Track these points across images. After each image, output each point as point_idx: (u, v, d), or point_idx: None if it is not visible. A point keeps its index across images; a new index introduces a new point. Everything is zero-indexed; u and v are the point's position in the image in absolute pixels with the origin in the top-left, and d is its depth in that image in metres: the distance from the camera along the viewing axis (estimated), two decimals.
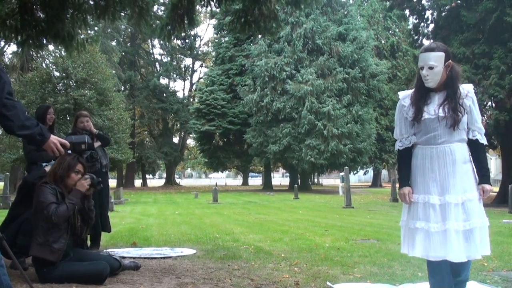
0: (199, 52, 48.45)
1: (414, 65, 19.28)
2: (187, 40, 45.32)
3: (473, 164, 3.06)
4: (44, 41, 7.09)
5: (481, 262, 4.85)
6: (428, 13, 19.38)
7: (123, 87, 41.55)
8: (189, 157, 61.19)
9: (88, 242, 5.54)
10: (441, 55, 2.99)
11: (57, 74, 26.96)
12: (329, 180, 60.87)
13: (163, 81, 46.28)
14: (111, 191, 14.16)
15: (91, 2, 6.72)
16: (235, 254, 5.66)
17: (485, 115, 17.40)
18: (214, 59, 39.60)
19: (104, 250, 5.63)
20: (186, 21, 6.64)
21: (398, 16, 23.86)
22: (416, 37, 20.09)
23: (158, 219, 11.65)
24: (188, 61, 49.71)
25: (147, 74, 46.51)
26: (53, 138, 2.93)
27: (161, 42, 43.20)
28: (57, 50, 27.10)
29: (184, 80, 50.38)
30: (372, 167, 43.13)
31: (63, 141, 3.01)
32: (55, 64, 27.30)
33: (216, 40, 39.52)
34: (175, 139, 50.22)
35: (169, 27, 6.64)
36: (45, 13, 6.55)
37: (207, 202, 20.53)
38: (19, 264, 3.55)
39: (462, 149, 3.03)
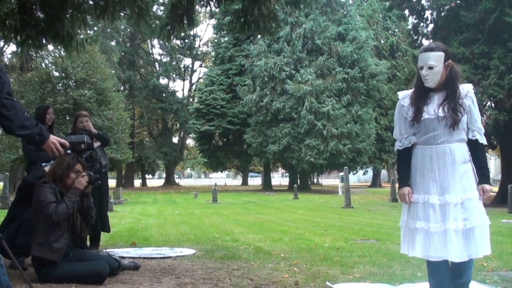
0: (199, 52, 48.46)
1: (414, 65, 19.28)
2: (186, 40, 45.33)
3: (472, 164, 3.06)
4: (44, 41, 7.09)
5: (480, 262, 4.85)
6: (427, 13, 19.40)
7: (122, 87, 41.55)
8: (189, 157, 61.17)
9: (88, 242, 5.54)
10: (440, 55, 2.99)
11: (56, 74, 26.96)
12: (329, 180, 60.89)
13: (163, 81, 46.35)
14: (110, 191, 14.16)
15: (91, 2, 6.72)
16: (235, 254, 5.66)
17: (484, 115, 17.41)
18: (213, 59, 39.61)
19: (104, 250, 5.63)
20: (185, 21, 6.64)
21: (397, 16, 23.85)
22: (416, 37, 20.09)
23: (158, 219, 11.64)
24: (187, 61, 49.83)
25: (146, 74, 46.50)
26: (53, 138, 2.92)
27: (161, 42, 43.24)
28: (56, 50, 27.10)
29: (184, 80, 50.45)
30: (371, 167, 43.15)
31: (63, 141, 3.00)
32: (55, 64, 27.29)
33: (216, 40, 39.52)
34: (175, 139, 50.23)
35: (169, 27, 6.64)
36: (44, 13, 6.55)
37: (206, 202, 20.53)
38: (18, 264, 3.55)
39: (462, 149, 3.03)
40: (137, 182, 50.03)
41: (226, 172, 66.97)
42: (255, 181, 63.75)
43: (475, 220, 2.91)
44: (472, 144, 3.07)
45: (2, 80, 2.65)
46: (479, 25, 16.57)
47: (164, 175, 55.69)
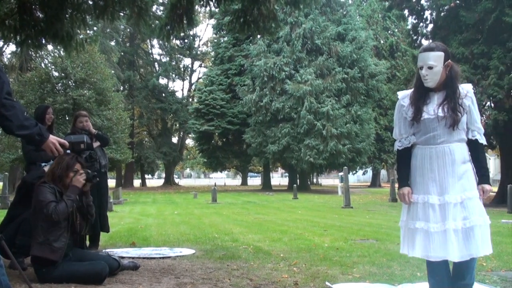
0: (198, 52, 48.46)
1: (413, 65, 19.29)
2: (186, 40, 45.33)
3: (472, 164, 3.05)
4: (43, 41, 7.09)
5: (480, 262, 4.85)
6: (427, 13, 19.40)
7: (122, 87, 41.55)
8: (188, 157, 61.15)
9: (87, 242, 5.54)
10: (440, 54, 2.99)
11: (56, 74, 26.94)
12: (328, 180, 60.81)
13: (162, 81, 46.35)
14: (110, 191, 14.16)
15: (90, 2, 6.72)
16: (234, 254, 5.66)
17: (484, 115, 17.41)
18: (213, 59, 39.61)
19: (103, 250, 5.63)
20: (185, 21, 6.64)
21: (397, 16, 23.89)
22: (415, 37, 20.10)
23: (157, 219, 11.64)
24: (187, 61, 49.84)
25: (146, 74, 46.50)
26: (52, 138, 2.92)
27: (160, 42, 43.24)
28: (56, 50, 27.07)
29: (183, 80, 50.45)
30: (371, 167, 43.15)
31: (62, 141, 3.00)
32: (54, 64, 27.28)
33: (215, 40, 39.51)
34: (174, 139, 50.23)
35: (168, 27, 6.64)
36: (44, 13, 6.55)
37: (206, 202, 20.53)
38: (18, 264, 3.54)
39: (462, 149, 3.02)
40: (137, 182, 50.02)
41: (226, 172, 66.96)
42: (255, 181, 63.74)
43: (475, 219, 2.90)
44: (472, 144, 3.06)
45: (1, 80, 2.65)
46: (479, 25, 16.58)
47: (163, 175, 55.69)
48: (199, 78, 48.69)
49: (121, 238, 7.39)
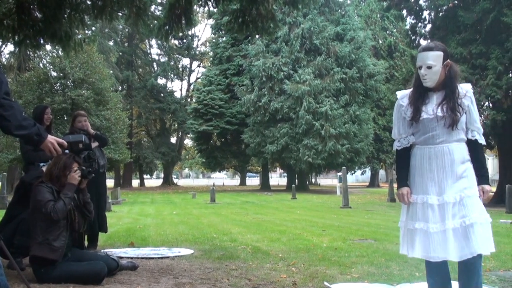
0: (197, 52, 48.45)
1: (412, 65, 19.33)
2: (184, 40, 45.32)
3: (472, 163, 3.03)
4: (41, 41, 7.08)
5: None
6: (425, 13, 19.44)
7: (120, 87, 41.53)
8: (187, 157, 61.13)
9: (86, 242, 5.54)
10: (439, 54, 2.97)
11: (54, 74, 26.94)
12: (327, 180, 60.84)
13: (161, 81, 46.31)
14: (108, 191, 14.16)
15: (89, 2, 6.71)
16: (233, 254, 5.66)
17: (482, 115, 17.44)
18: (211, 59, 39.60)
19: (102, 250, 5.63)
20: (183, 21, 6.63)
21: (395, 16, 23.90)
22: (414, 37, 20.14)
23: (156, 219, 11.64)
24: (185, 61, 49.82)
25: (144, 74, 46.48)
26: (51, 138, 2.92)
27: (159, 42, 43.17)
28: (54, 50, 27.08)
29: (182, 80, 50.39)
30: (369, 167, 43.18)
31: (61, 140, 3.00)
32: (53, 64, 27.28)
33: (214, 40, 39.50)
34: (173, 139, 50.23)
35: (167, 27, 6.64)
36: (42, 13, 6.54)
37: (204, 202, 20.52)
38: (16, 265, 3.54)
39: (461, 149, 3.01)
40: (135, 182, 50.00)
41: (225, 172, 66.95)
42: (253, 181, 63.74)
43: (475, 216, 2.86)
44: (471, 144, 3.05)
45: (0, 80, 2.65)
46: (477, 25, 16.60)
47: (162, 175, 55.66)
48: (197, 78, 48.69)
49: (119, 238, 7.39)
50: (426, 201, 2.98)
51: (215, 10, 25.29)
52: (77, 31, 7.29)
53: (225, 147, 37.75)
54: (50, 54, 28.73)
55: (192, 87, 48.51)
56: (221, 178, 73.59)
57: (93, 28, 26.28)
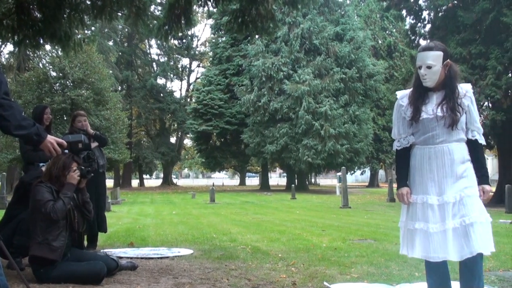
0: (196, 52, 48.44)
1: (411, 65, 19.34)
2: (184, 40, 45.32)
3: (472, 163, 3.02)
4: (41, 41, 7.07)
5: None
6: (425, 14, 19.43)
7: (120, 87, 41.50)
8: (186, 157, 61.10)
9: (85, 243, 5.54)
10: (439, 54, 2.97)
11: (54, 74, 26.93)
12: (326, 180, 60.87)
13: (160, 81, 46.30)
14: (108, 191, 14.14)
15: (88, 2, 6.71)
16: (232, 254, 5.66)
17: (481, 115, 17.44)
18: (211, 59, 39.60)
19: (102, 250, 5.63)
20: (183, 21, 6.63)
21: (395, 16, 23.92)
22: (413, 37, 20.14)
23: (155, 219, 11.64)
24: (185, 61, 49.80)
25: (144, 74, 46.46)
26: (50, 138, 2.91)
27: (158, 42, 43.13)
28: (54, 50, 27.10)
29: (181, 80, 50.38)
30: (369, 167, 43.18)
31: (60, 140, 2.99)
32: (52, 64, 27.26)
33: (213, 40, 39.49)
34: (172, 139, 50.22)
35: (166, 27, 6.63)
36: (41, 13, 6.54)
37: (204, 202, 20.51)
38: (15, 265, 3.54)
39: (461, 148, 3.00)
40: (135, 182, 50.00)
41: (224, 172, 66.94)
42: (253, 181, 63.73)
43: (475, 216, 2.85)
44: (471, 144, 3.04)
45: None
46: (476, 25, 16.60)
47: (161, 175, 55.65)
48: (197, 78, 48.68)
49: (119, 238, 7.39)
50: (426, 201, 2.97)
51: (215, 10, 25.27)
52: (76, 31, 7.29)
53: (225, 147, 37.74)
54: (50, 54, 28.74)
55: (191, 87, 48.50)
56: (221, 178, 73.55)
57: (93, 28, 26.26)
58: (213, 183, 40.99)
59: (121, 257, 5.11)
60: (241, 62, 34.11)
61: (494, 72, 15.74)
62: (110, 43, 40.09)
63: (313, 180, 52.87)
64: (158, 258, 5.42)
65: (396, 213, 12.06)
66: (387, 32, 41.40)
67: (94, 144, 5.84)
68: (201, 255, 5.60)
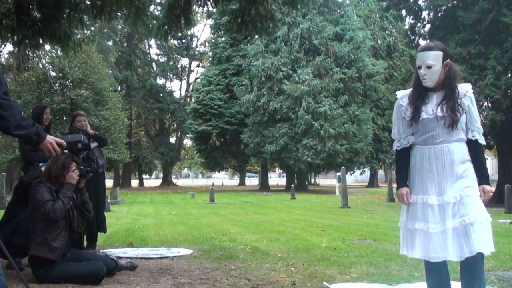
0: (196, 52, 48.45)
1: (411, 65, 19.34)
2: (183, 40, 45.32)
3: (472, 163, 3.02)
4: (41, 41, 7.07)
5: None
6: (424, 14, 19.42)
7: (119, 87, 41.51)
8: (186, 157, 61.09)
9: (85, 243, 5.54)
10: (439, 54, 2.96)
11: (53, 74, 26.92)
12: (326, 180, 60.87)
13: (160, 81, 46.31)
14: (107, 191, 14.14)
15: (88, 2, 6.71)
16: (232, 254, 5.65)
17: (481, 115, 17.44)
18: (211, 59, 39.60)
19: (101, 250, 5.63)
20: (182, 21, 6.63)
21: (394, 17, 23.91)
22: (413, 37, 20.13)
23: (155, 219, 11.63)
24: (184, 61, 49.83)
25: (143, 74, 46.46)
26: (50, 138, 2.91)
27: (158, 42, 43.14)
28: (53, 50, 27.07)
29: (181, 80, 50.39)
30: (368, 167, 43.18)
31: (60, 140, 2.99)
32: (52, 64, 27.25)
33: (213, 40, 39.51)
34: (172, 139, 50.22)
35: (166, 27, 6.63)
36: (41, 13, 6.53)
37: (203, 202, 20.51)
38: (15, 265, 3.53)
39: (461, 148, 3.00)
40: (134, 182, 50.00)
41: (224, 172, 66.93)
42: (252, 181, 63.72)
43: (475, 215, 2.84)
44: (472, 144, 3.03)
45: None
46: (476, 25, 16.60)
47: (161, 175, 55.64)
48: (196, 78, 48.68)
49: (118, 238, 7.38)
50: (426, 201, 2.96)
51: (214, 10, 25.29)
52: (76, 31, 7.28)
53: (224, 147, 37.75)
54: (49, 54, 28.71)
55: (191, 87, 48.50)
56: (220, 178, 73.53)
57: (92, 28, 26.34)
58: (213, 183, 40.99)
59: (120, 257, 5.11)
60: (240, 62, 34.12)
61: (493, 72, 15.74)
62: (110, 43, 40.09)
63: (312, 180, 52.88)
64: (157, 258, 5.42)
65: (396, 213, 12.07)
66: (386, 32, 41.42)
67: (93, 144, 5.84)
68: (200, 255, 5.59)
